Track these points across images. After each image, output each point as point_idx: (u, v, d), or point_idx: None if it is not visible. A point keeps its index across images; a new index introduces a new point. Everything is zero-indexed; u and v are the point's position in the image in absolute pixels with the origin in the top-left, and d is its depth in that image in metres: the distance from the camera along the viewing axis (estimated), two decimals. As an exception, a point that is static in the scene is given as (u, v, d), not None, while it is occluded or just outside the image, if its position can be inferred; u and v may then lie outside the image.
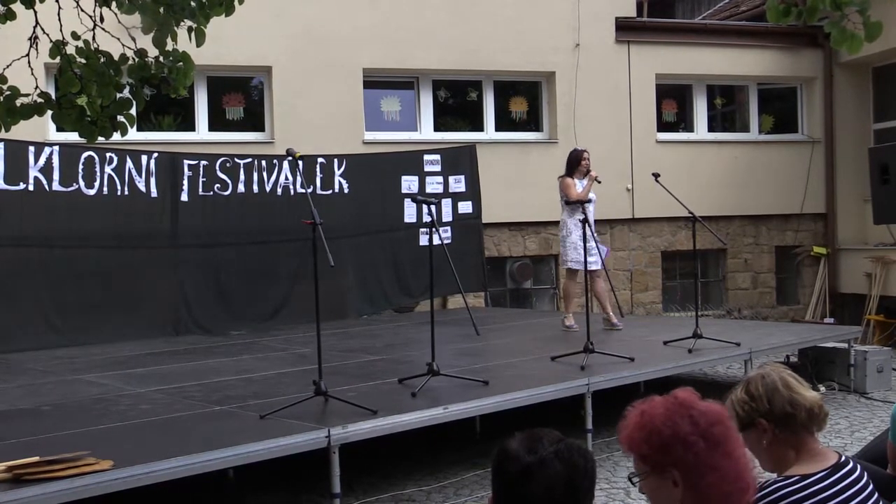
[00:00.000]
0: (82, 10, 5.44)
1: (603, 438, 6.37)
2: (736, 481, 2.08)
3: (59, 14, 5.37)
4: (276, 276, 9.22)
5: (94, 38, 5.40)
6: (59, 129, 8.37)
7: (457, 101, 11.68)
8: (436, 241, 6.38)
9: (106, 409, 5.31)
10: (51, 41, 5.33)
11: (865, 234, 12.53)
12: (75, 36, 5.35)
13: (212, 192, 8.87)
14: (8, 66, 5.43)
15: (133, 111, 5.65)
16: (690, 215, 7.40)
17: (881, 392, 8.13)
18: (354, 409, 4.92)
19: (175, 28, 5.37)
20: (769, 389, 2.59)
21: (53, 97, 5.48)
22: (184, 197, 8.73)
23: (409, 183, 10.15)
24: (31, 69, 5.36)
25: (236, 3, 5.51)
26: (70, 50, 5.37)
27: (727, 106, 13.13)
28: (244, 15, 6.40)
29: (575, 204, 7.87)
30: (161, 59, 5.47)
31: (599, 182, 8.41)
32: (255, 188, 9.12)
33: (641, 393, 7.61)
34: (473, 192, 10.66)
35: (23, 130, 6.43)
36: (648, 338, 7.85)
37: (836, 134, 12.79)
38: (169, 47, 5.47)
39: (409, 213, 10.10)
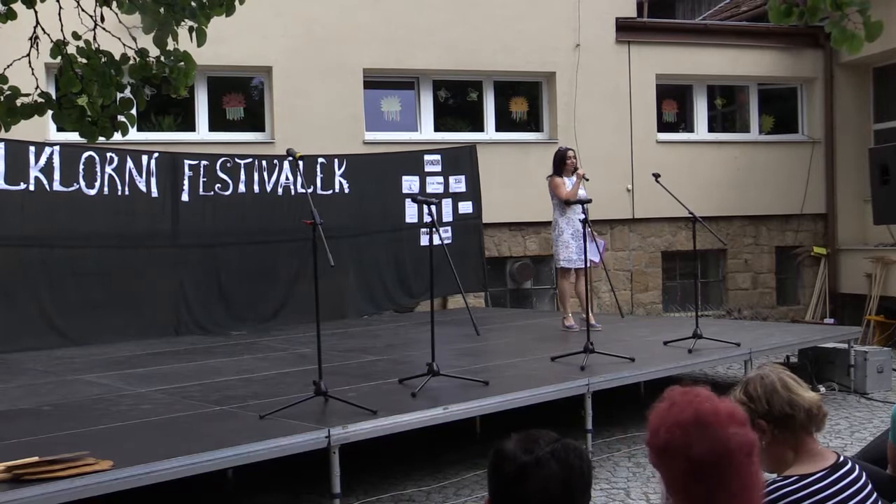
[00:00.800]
0: (83, 10, 5.44)
1: (603, 438, 6.38)
2: None
3: (59, 14, 5.36)
4: (277, 277, 9.22)
5: (94, 37, 5.40)
6: (59, 129, 8.39)
7: (457, 101, 11.69)
8: (436, 241, 6.38)
9: (106, 409, 5.31)
10: (51, 41, 5.33)
11: (865, 234, 12.52)
12: (76, 36, 5.35)
13: (212, 193, 8.87)
14: (8, 66, 5.43)
15: (133, 111, 5.65)
16: (690, 215, 7.40)
17: (881, 392, 8.13)
18: (354, 409, 4.92)
19: (176, 28, 5.37)
20: (768, 390, 2.59)
21: (54, 97, 5.48)
22: (184, 197, 8.73)
23: (409, 183, 10.16)
24: (32, 69, 5.36)
25: (237, 2, 5.52)
26: (71, 50, 5.37)
27: (727, 106, 13.13)
28: (244, 15, 6.40)
29: (575, 204, 7.89)
30: (162, 58, 5.47)
31: (587, 180, 8.40)
32: (256, 188, 9.12)
33: (641, 393, 7.63)
34: (474, 193, 10.66)
35: (23, 130, 6.43)
36: (648, 338, 7.85)
37: (836, 134, 12.79)
38: (170, 47, 5.48)
39: (411, 213, 10.10)
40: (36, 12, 5.34)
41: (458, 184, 10.54)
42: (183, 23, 5.37)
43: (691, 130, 12.66)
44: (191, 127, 10.39)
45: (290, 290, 9.22)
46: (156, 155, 8.65)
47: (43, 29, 5.35)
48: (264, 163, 9.19)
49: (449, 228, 10.31)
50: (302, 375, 6.05)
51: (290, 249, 9.08)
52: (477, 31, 11.09)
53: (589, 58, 11.56)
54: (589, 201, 7.52)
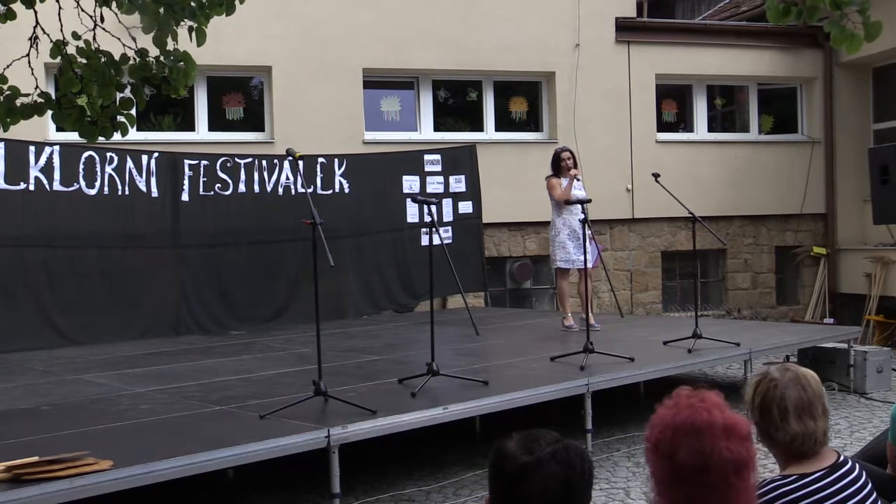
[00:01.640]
0: (83, 10, 5.44)
1: (603, 438, 6.38)
2: None
3: (59, 14, 5.36)
4: (277, 276, 9.23)
5: (94, 37, 5.40)
6: (59, 129, 8.39)
7: (457, 101, 11.69)
8: (436, 241, 6.38)
9: (105, 408, 5.31)
10: (51, 41, 5.33)
11: (865, 234, 12.52)
12: (76, 36, 5.35)
13: (212, 192, 8.88)
14: (8, 66, 5.43)
15: (133, 111, 5.65)
16: (690, 215, 7.40)
17: (881, 392, 8.13)
18: (354, 409, 4.92)
19: (175, 28, 5.37)
20: (766, 405, 2.61)
21: (53, 97, 5.48)
22: (184, 197, 8.73)
23: (410, 183, 10.16)
24: (32, 69, 5.36)
25: (237, 2, 5.52)
26: (70, 50, 5.37)
27: (727, 106, 13.13)
28: (244, 15, 6.40)
29: (574, 204, 7.87)
30: (162, 58, 5.47)
31: (579, 180, 8.39)
32: (256, 188, 9.13)
33: (641, 393, 7.61)
34: (474, 192, 10.66)
35: (23, 130, 6.43)
36: (648, 338, 7.84)
37: (836, 134, 12.79)
38: (170, 47, 5.47)
39: (412, 213, 10.10)
40: (36, 12, 5.34)
41: (458, 184, 10.55)
42: (183, 23, 5.36)
43: (691, 130, 12.66)
44: (190, 127, 10.39)
45: (290, 290, 9.23)
46: (156, 155, 8.65)
47: (42, 29, 5.35)
48: (264, 163, 9.19)
49: (449, 228, 10.31)
50: (301, 375, 6.05)
51: (290, 249, 9.08)
52: (477, 30, 11.08)
53: (589, 58, 11.56)
54: (588, 201, 7.48)
